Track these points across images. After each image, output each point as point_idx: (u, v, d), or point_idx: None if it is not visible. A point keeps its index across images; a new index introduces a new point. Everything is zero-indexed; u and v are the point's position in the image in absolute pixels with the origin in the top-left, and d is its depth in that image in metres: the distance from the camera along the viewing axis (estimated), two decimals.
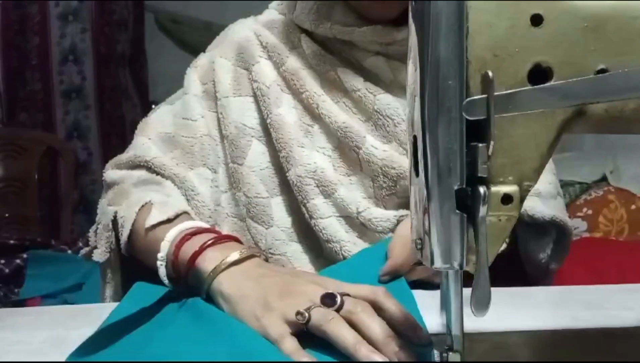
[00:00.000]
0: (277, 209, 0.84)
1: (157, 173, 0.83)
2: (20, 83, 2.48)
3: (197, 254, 0.66)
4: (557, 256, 0.89)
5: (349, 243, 0.80)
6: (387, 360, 0.51)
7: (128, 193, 0.80)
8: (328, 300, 0.56)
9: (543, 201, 0.85)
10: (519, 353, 0.59)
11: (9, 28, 2.41)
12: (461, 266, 0.43)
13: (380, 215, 0.81)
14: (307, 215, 0.81)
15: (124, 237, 0.76)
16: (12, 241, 1.76)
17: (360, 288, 0.59)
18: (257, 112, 0.85)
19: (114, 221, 0.79)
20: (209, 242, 0.67)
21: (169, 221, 0.75)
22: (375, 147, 0.81)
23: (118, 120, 2.80)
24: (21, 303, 1.52)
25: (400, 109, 0.81)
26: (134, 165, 0.85)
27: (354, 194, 0.82)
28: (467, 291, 0.44)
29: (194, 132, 0.85)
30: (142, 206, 0.77)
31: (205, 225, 0.74)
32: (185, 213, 0.77)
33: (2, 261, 1.63)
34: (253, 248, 0.70)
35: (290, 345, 0.54)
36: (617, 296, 0.71)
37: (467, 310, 0.44)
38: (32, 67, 2.52)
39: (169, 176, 0.83)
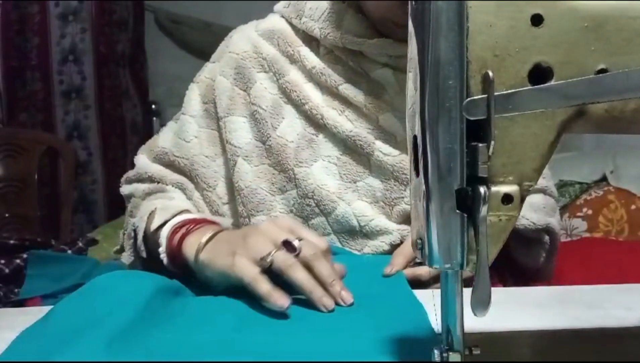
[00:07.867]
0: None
1: (159, 182, 0.91)
2: (20, 83, 2.47)
3: (179, 245, 0.75)
4: (549, 259, 0.90)
5: None
6: (333, 304, 0.62)
7: (139, 205, 0.89)
8: (289, 246, 0.64)
9: (530, 205, 0.85)
10: (519, 353, 0.59)
11: (9, 28, 2.41)
12: (461, 266, 0.43)
13: (384, 226, 0.82)
14: None
15: (138, 242, 0.85)
16: (12, 241, 1.75)
17: (314, 236, 0.68)
18: (250, 133, 0.87)
19: (134, 230, 0.88)
20: (188, 230, 0.76)
21: (166, 222, 0.81)
22: (385, 153, 0.82)
23: (118, 120, 2.80)
24: (21, 303, 1.52)
25: (402, 129, 0.81)
26: (140, 179, 0.94)
27: (357, 204, 0.82)
28: (467, 291, 0.44)
29: (185, 152, 0.91)
30: (149, 214, 0.84)
31: (191, 215, 0.82)
32: (184, 211, 0.83)
33: (2, 261, 1.62)
34: (227, 228, 0.79)
35: (265, 287, 0.62)
36: (617, 296, 0.71)
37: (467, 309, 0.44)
38: (32, 67, 2.51)
39: (170, 182, 0.90)
